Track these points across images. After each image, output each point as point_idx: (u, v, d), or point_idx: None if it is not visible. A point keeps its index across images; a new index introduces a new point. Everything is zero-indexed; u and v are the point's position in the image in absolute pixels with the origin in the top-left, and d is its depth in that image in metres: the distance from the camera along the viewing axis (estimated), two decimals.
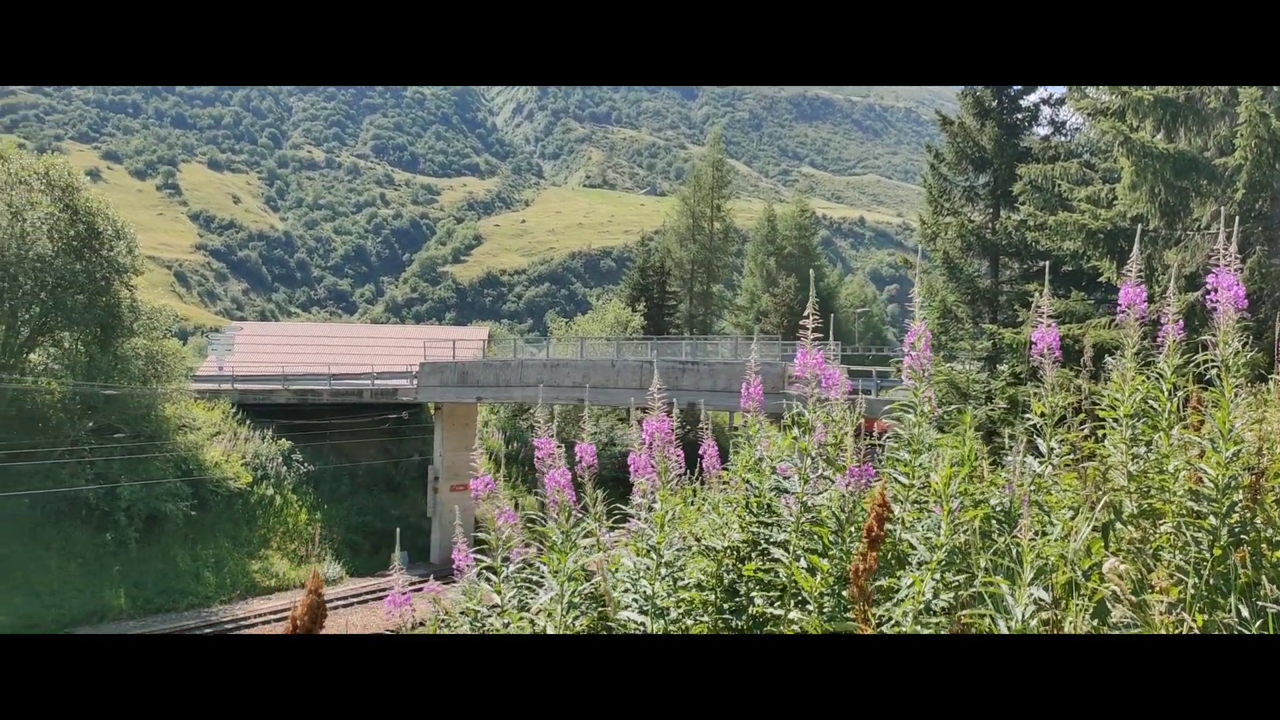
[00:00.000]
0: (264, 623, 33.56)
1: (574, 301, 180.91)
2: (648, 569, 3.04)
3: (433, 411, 45.81)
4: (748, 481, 3.27)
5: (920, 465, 2.99)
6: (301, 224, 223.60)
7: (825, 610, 2.79)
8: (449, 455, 43.72)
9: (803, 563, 2.88)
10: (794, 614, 2.84)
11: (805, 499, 3.01)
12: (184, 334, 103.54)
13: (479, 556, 3.47)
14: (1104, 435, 3.11)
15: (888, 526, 2.67)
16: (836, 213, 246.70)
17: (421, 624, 3.73)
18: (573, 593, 3.04)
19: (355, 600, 36.28)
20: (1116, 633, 2.39)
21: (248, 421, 44.53)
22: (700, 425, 3.88)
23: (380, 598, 36.90)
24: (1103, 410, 3.10)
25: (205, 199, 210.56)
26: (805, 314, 3.47)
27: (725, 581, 3.15)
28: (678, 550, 3.10)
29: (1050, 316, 3.44)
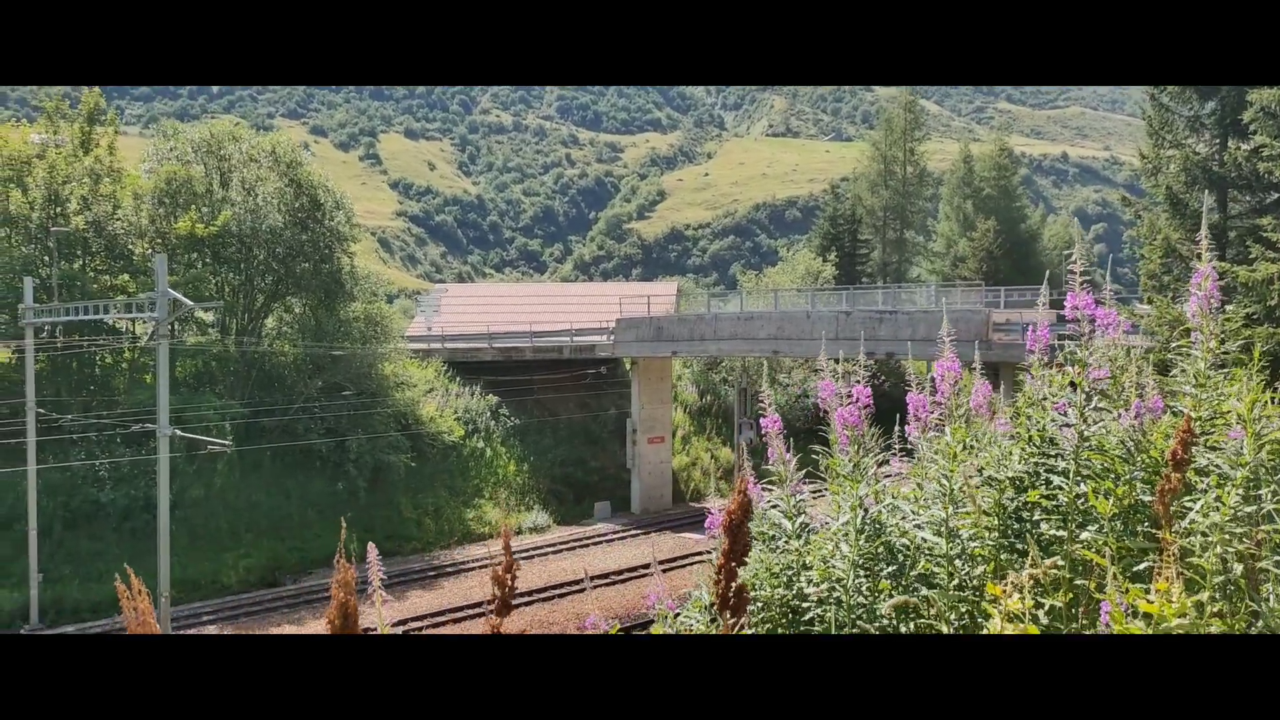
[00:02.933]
0: (480, 566, 35.66)
1: (759, 253, 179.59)
2: (941, 495, 3.35)
3: (629, 366, 46.98)
4: (1028, 416, 3.50)
5: (1206, 399, 3.15)
6: (493, 187, 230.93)
7: (1115, 531, 3.02)
8: (646, 409, 44.80)
9: (1084, 488, 3.11)
10: (1084, 535, 3.07)
11: (1083, 430, 3.22)
12: (390, 297, 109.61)
13: (768, 486, 3.84)
14: None
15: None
16: (1036, 149, 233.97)
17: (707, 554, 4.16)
18: (862, 519, 3.37)
19: (564, 548, 37.98)
20: (1116, 633, 2.41)
21: (457, 378, 47.08)
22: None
23: (586, 545, 38.52)
24: None
25: (403, 167, 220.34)
26: (1072, 258, 3.61)
27: (1009, 509, 3.41)
28: (969, 478, 3.38)
29: None
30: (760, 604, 3.65)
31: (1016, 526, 3.38)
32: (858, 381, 3.82)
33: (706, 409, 53.21)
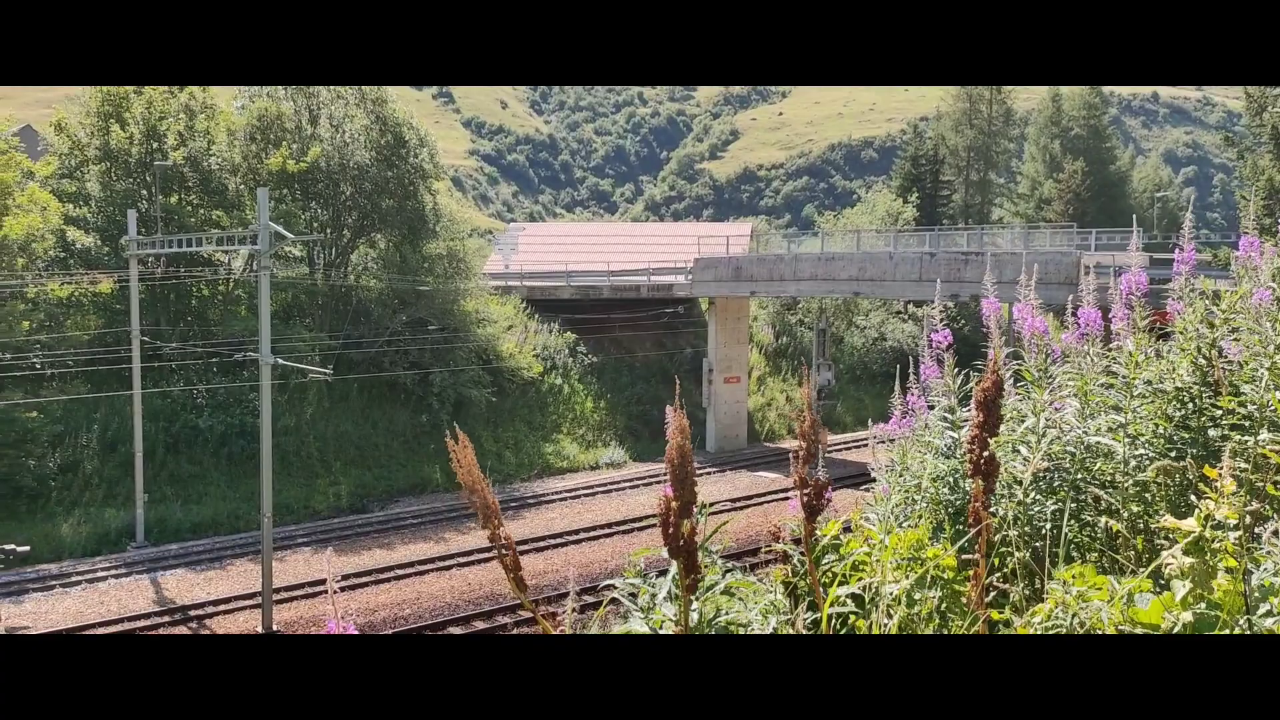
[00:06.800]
0: (560, 500, 36.46)
1: (833, 195, 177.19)
2: (1123, 400, 3.57)
3: (706, 306, 47.12)
4: (1199, 331, 3.68)
5: None
6: (564, 126, 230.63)
7: None
8: (722, 349, 44.98)
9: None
10: (1263, 435, 3.27)
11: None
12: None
13: (935, 399, 4.08)
14: None
15: None
16: (1126, 88, 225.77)
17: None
18: (1045, 422, 3.62)
19: (640, 484, 38.64)
20: (1114, 633, 2.40)
21: (536, 315, 47.73)
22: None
23: (661, 482, 39.04)
24: None
25: (476, 106, 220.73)
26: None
27: (1175, 419, 3.61)
28: (1145, 386, 3.60)
29: None
30: (927, 502, 3.91)
31: (1184, 435, 3.59)
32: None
33: (782, 350, 53.26)
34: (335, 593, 2.16)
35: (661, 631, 2.40)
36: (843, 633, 2.88)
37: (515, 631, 23.71)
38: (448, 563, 28.53)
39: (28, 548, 24.98)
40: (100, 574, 27.60)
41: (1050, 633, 2.43)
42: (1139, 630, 2.41)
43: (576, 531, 32.01)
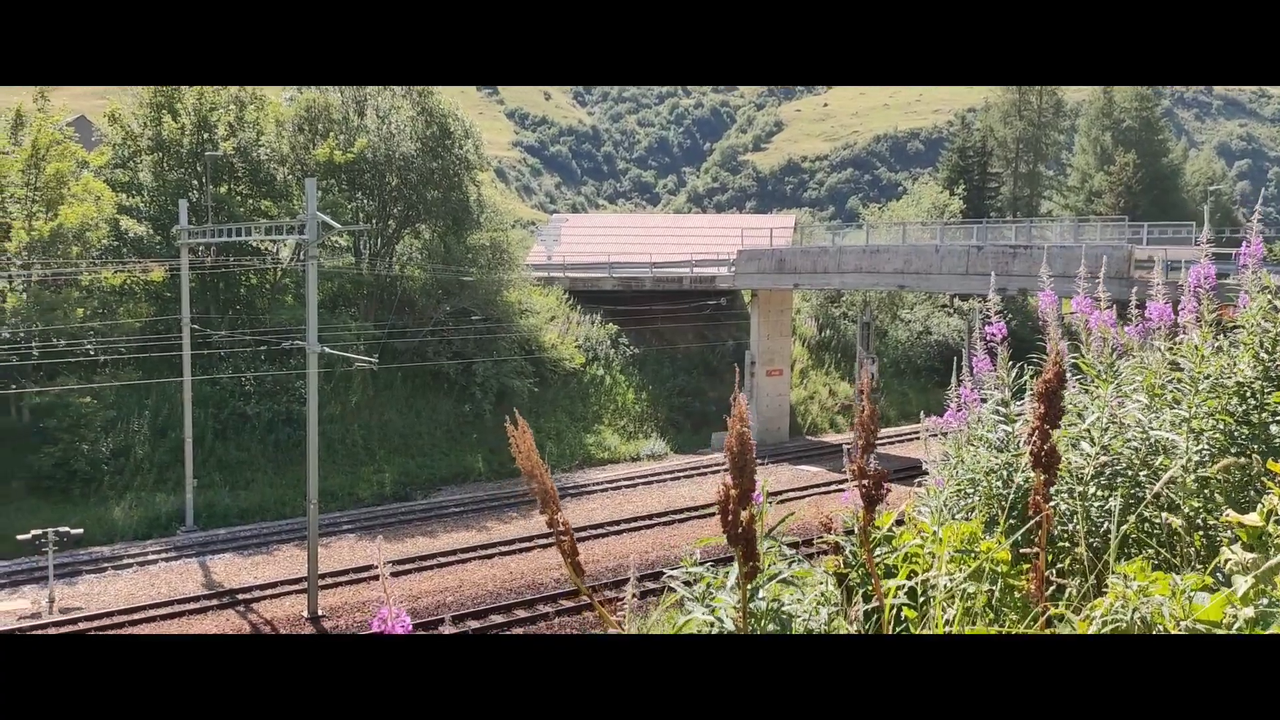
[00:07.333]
0: (601, 491, 36.56)
1: (878, 187, 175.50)
2: (1191, 393, 3.53)
3: (748, 298, 46.94)
4: (1261, 326, 3.62)
5: None
6: (607, 117, 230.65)
7: None
8: (764, 341, 44.79)
9: None
10: None
11: None
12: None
13: (989, 393, 4.04)
14: None
15: None
16: None
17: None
18: (1108, 417, 3.58)
19: (682, 475, 38.64)
20: (1114, 633, 2.36)
21: (578, 306, 47.85)
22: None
23: (703, 474, 39.10)
24: None
25: (519, 97, 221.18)
26: None
27: (1237, 413, 3.56)
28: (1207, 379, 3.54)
29: None
30: (980, 496, 3.89)
31: (1245, 431, 3.54)
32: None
33: (825, 343, 52.95)
34: (387, 577, 2.15)
35: (722, 620, 2.41)
36: (899, 628, 2.86)
37: (557, 620, 23.87)
38: (489, 551, 28.75)
39: (80, 530, 25.53)
40: (151, 557, 28.15)
41: (1110, 628, 2.41)
42: (1200, 627, 2.38)
43: (618, 522, 32.07)
